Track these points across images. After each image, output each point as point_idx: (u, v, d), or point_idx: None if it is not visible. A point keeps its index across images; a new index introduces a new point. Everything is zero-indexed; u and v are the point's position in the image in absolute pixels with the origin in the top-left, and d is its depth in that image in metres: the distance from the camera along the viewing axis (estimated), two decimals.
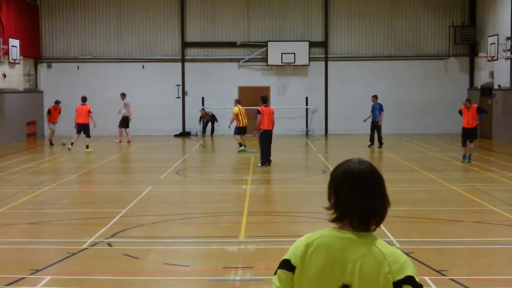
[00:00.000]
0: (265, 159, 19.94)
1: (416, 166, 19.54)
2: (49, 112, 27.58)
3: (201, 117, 32.32)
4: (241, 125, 24.56)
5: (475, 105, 20.58)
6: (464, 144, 20.35)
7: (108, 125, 32.74)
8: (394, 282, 2.72)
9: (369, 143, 25.70)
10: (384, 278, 2.72)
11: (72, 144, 24.88)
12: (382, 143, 25.28)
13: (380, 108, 25.57)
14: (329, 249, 2.78)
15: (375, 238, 2.82)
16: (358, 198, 2.80)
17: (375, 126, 25.46)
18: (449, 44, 33.02)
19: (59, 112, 27.78)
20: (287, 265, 2.85)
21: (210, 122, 32.23)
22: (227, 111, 32.71)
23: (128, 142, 27.90)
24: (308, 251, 2.81)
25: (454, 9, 33.11)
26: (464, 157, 20.42)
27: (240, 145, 24.50)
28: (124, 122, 28.79)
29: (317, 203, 14.00)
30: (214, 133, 32.06)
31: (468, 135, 20.19)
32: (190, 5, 33.24)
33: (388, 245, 2.82)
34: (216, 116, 32.19)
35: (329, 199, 2.89)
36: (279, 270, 2.87)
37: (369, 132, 26.05)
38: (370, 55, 33.33)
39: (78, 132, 25.02)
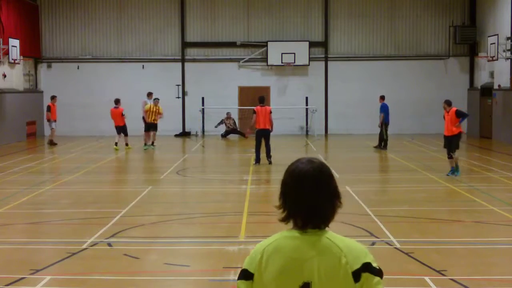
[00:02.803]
0: (258, 157, 20.23)
1: (416, 166, 19.54)
2: (48, 108, 27.45)
3: (222, 121, 32.14)
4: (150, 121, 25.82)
5: (454, 108, 17.26)
6: (449, 155, 17.34)
7: (108, 125, 32.74)
8: (353, 272, 2.73)
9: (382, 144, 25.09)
10: (343, 270, 2.73)
11: (116, 144, 25.40)
12: (380, 145, 25.12)
13: (380, 109, 25.45)
14: (284, 251, 2.79)
15: (327, 232, 2.82)
16: (301, 197, 2.81)
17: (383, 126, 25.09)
18: (449, 44, 33.02)
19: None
20: (245, 275, 2.85)
21: (232, 132, 31.87)
22: (227, 111, 32.75)
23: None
24: (264, 257, 2.81)
25: (454, 9, 33.11)
26: (452, 170, 17.32)
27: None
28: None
29: None
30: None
31: (447, 144, 17.26)
32: (190, 5, 33.24)
33: (342, 237, 2.82)
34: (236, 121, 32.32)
35: (279, 198, 2.91)
36: (238, 281, 2.86)
37: (369, 132, 25.98)
38: (370, 55, 33.33)
39: (118, 133, 25.77)
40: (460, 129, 17.18)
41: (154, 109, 26.08)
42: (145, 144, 26.05)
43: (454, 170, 17.20)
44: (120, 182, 17.74)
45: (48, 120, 27.59)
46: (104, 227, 11.16)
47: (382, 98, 25.70)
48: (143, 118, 26.49)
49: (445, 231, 11.32)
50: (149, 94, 27.57)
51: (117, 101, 25.91)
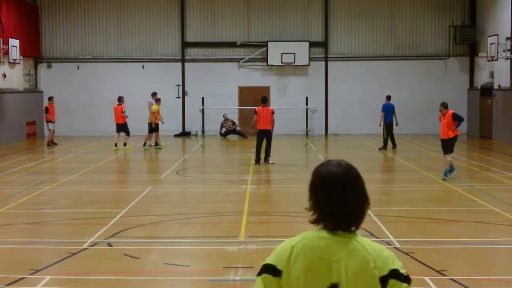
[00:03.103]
0: (258, 157, 20.28)
1: (416, 166, 19.54)
2: (46, 110, 27.38)
3: (222, 125, 32.18)
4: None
5: (451, 111, 16.82)
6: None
7: (108, 125, 32.74)
8: (380, 277, 2.76)
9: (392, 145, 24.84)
10: (370, 274, 2.75)
11: (116, 144, 25.24)
12: (384, 146, 25.03)
13: (382, 109, 25.37)
14: (313, 250, 2.81)
15: (356, 235, 2.85)
16: (334, 200, 2.84)
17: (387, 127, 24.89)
18: (449, 44, 33.02)
19: (54, 109, 27.62)
20: (272, 271, 2.85)
21: (232, 132, 31.86)
22: (228, 111, 32.74)
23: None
24: (293, 254, 2.83)
25: (454, 9, 33.11)
26: (446, 171, 16.91)
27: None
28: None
29: None
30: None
31: (443, 146, 17.06)
32: (190, 5, 33.25)
33: (371, 241, 2.86)
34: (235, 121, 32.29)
35: (309, 200, 2.92)
36: (264, 275, 2.86)
37: (369, 132, 25.95)
38: (370, 55, 33.33)
39: (118, 131, 25.59)
40: (457, 132, 16.81)
41: (159, 109, 26.06)
42: (145, 144, 25.99)
43: (446, 172, 16.79)
44: (120, 182, 17.74)
45: (47, 122, 27.48)
46: (104, 227, 11.16)
47: (387, 98, 25.57)
48: (149, 118, 26.06)
49: (445, 231, 11.32)
50: (154, 94, 27.42)
51: (119, 99, 25.97)
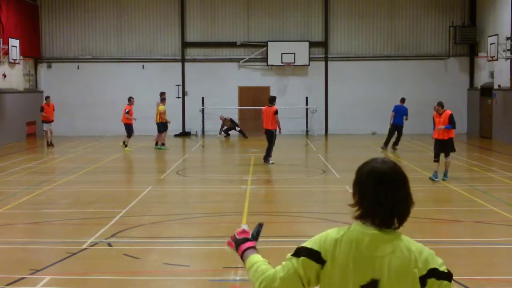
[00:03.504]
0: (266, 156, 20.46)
1: (416, 166, 19.53)
2: (41, 109, 27.20)
3: (222, 125, 32.19)
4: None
5: (449, 112, 16.37)
6: (436, 159, 16.50)
7: (108, 125, 32.75)
8: (420, 277, 2.81)
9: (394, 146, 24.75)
10: (412, 273, 2.80)
11: (126, 145, 25.09)
12: (387, 145, 25.02)
13: (393, 109, 25.15)
14: (357, 245, 2.85)
15: (400, 234, 2.91)
16: (380, 197, 2.87)
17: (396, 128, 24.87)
18: (449, 44, 33.02)
19: (53, 109, 27.25)
20: (316, 257, 2.89)
21: (233, 129, 31.92)
22: (228, 111, 32.77)
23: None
24: (337, 247, 2.87)
25: (454, 9, 33.11)
26: (435, 174, 16.54)
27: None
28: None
29: (317, 203, 14.00)
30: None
31: (442, 148, 16.47)
32: (190, 5, 33.25)
33: (413, 241, 2.91)
34: (234, 120, 32.25)
35: (354, 196, 2.97)
36: (304, 258, 2.89)
37: (369, 132, 25.91)
38: (370, 55, 33.34)
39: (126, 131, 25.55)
40: (451, 133, 16.38)
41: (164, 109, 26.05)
42: (156, 144, 25.93)
43: (444, 173, 16.54)
44: (120, 182, 17.74)
45: (43, 121, 27.03)
46: (104, 227, 11.16)
47: (402, 100, 25.42)
48: (157, 118, 25.94)
49: (445, 231, 11.32)
50: (161, 94, 27.36)
51: (128, 99, 25.81)
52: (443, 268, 2.83)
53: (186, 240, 10.61)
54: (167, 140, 26.91)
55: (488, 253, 9.71)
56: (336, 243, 2.87)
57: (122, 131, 29.70)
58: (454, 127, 16.33)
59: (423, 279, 2.81)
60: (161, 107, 25.77)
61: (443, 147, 16.40)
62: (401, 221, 2.92)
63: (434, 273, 2.81)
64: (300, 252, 2.91)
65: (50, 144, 26.83)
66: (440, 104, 16.53)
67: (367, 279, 2.81)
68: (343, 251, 2.85)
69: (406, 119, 24.89)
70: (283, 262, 2.95)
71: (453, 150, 16.53)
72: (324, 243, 2.89)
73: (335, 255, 2.86)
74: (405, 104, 25.24)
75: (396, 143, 24.83)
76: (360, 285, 2.81)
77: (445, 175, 16.61)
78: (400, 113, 24.81)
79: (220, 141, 30.45)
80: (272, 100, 20.69)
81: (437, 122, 16.35)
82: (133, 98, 25.97)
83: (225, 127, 32.01)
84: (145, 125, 31.14)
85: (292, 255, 2.93)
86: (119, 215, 12.28)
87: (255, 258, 3.11)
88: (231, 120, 32.16)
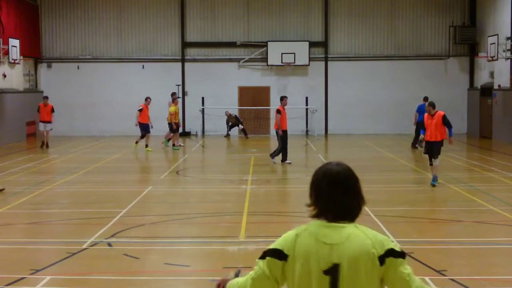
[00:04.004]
0: (282, 155, 20.48)
1: (416, 166, 19.52)
2: (38, 109, 26.90)
3: (227, 122, 32.22)
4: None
5: (441, 113, 15.48)
6: (431, 162, 15.77)
7: (108, 125, 32.77)
8: (379, 257, 3.07)
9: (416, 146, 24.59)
10: (370, 255, 3.06)
11: (146, 145, 24.78)
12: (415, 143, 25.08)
13: (416, 109, 25.28)
14: (316, 236, 3.10)
15: (354, 223, 3.17)
16: (335, 196, 3.13)
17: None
18: (449, 44, 33.02)
19: (52, 110, 26.69)
20: (278, 254, 3.14)
21: (237, 125, 31.99)
22: (225, 111, 32.76)
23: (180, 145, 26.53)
24: (297, 239, 3.12)
25: (454, 9, 33.11)
26: (434, 178, 15.70)
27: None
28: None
29: None
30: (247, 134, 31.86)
31: (430, 150, 15.64)
32: (190, 5, 33.24)
33: (367, 228, 3.17)
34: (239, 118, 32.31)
35: (310, 197, 3.21)
36: (268, 258, 3.15)
37: (369, 132, 25.92)
38: (370, 55, 33.33)
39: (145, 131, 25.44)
40: (445, 136, 15.51)
41: (177, 110, 25.99)
42: (174, 145, 25.94)
43: (432, 178, 15.73)
44: (120, 182, 17.73)
45: (40, 121, 26.55)
46: (104, 227, 11.16)
47: (424, 99, 25.40)
48: (170, 119, 25.86)
49: (445, 231, 11.33)
50: (172, 94, 27.28)
51: (145, 99, 25.48)
52: (397, 248, 3.10)
53: (186, 240, 10.61)
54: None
55: (488, 253, 9.71)
56: (296, 238, 3.12)
57: (122, 131, 29.83)
58: (451, 127, 15.55)
59: (381, 258, 3.06)
60: (171, 108, 25.76)
61: (431, 150, 15.50)
62: (353, 217, 3.16)
63: (391, 253, 3.07)
64: (265, 254, 3.18)
65: (45, 145, 26.26)
66: (432, 105, 15.65)
67: (328, 265, 3.04)
68: (304, 243, 3.09)
69: None
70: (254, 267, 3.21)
71: (439, 153, 15.57)
72: (285, 240, 3.15)
73: (295, 248, 3.10)
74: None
75: (414, 139, 24.90)
76: (323, 271, 3.04)
77: (433, 180, 15.67)
78: (424, 111, 24.89)
79: (220, 141, 30.42)
80: (281, 99, 20.89)
81: (429, 124, 15.48)
82: (150, 98, 25.57)
83: (230, 123, 32.06)
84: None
85: (259, 258, 3.20)
86: (119, 215, 12.28)
87: (234, 281, 3.40)
88: (236, 117, 32.19)
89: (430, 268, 8.56)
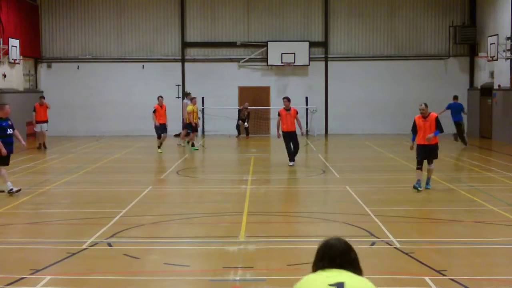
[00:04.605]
0: (290, 156, 20.20)
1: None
2: (34, 109, 26.35)
3: (239, 111, 32.21)
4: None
5: (435, 114, 14.92)
6: (419, 166, 14.97)
7: (108, 125, 32.77)
8: None
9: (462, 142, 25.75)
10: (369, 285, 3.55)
11: (159, 146, 24.58)
12: (462, 140, 25.64)
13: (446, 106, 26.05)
14: (318, 276, 3.60)
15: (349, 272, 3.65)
16: (331, 258, 3.68)
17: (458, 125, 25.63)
18: (449, 44, 33.03)
19: (46, 109, 26.20)
20: None
21: (244, 120, 32.05)
22: (228, 111, 32.78)
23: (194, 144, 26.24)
24: (305, 281, 3.61)
25: (454, 9, 33.11)
26: (418, 183, 14.84)
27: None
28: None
29: (316, 203, 14.00)
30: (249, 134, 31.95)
31: (426, 154, 14.93)
32: (190, 5, 33.25)
33: (360, 276, 3.63)
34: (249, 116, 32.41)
35: (314, 260, 3.76)
36: None
37: (369, 132, 25.92)
38: (370, 55, 33.34)
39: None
40: (436, 139, 14.95)
41: (196, 109, 25.91)
42: (193, 145, 25.89)
43: (426, 181, 15.22)
44: (120, 182, 17.72)
45: (37, 121, 25.97)
46: (104, 227, 11.16)
47: (454, 97, 26.24)
48: (185, 119, 25.80)
49: (445, 231, 11.32)
50: (187, 94, 27.13)
51: (157, 98, 24.93)
52: None
53: (186, 240, 10.60)
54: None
55: (488, 253, 9.71)
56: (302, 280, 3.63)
57: (122, 131, 29.80)
58: (442, 131, 14.87)
59: None
60: (189, 107, 25.64)
61: (428, 153, 14.94)
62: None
63: None
64: None
65: (42, 146, 25.93)
66: (426, 106, 14.92)
67: (335, 281, 3.50)
68: (311, 280, 3.60)
69: (465, 113, 26.07)
70: None
71: (436, 157, 15.16)
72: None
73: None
74: (458, 101, 26.10)
75: (457, 138, 25.92)
76: (329, 284, 3.48)
77: (427, 183, 15.22)
78: (456, 110, 25.46)
79: (220, 141, 30.42)
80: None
81: (422, 126, 14.83)
82: (161, 97, 24.96)
83: (242, 117, 32.05)
84: (144, 125, 31.16)
85: None
86: (119, 215, 12.28)
87: None
88: (248, 113, 32.26)
89: (430, 268, 8.55)
